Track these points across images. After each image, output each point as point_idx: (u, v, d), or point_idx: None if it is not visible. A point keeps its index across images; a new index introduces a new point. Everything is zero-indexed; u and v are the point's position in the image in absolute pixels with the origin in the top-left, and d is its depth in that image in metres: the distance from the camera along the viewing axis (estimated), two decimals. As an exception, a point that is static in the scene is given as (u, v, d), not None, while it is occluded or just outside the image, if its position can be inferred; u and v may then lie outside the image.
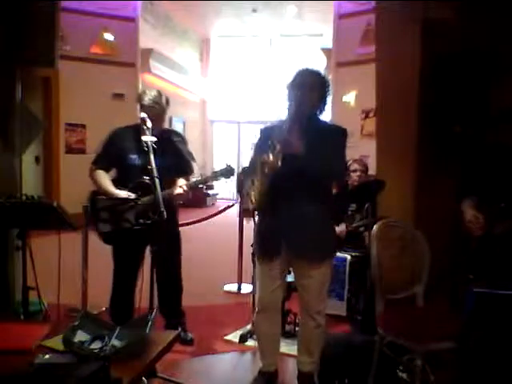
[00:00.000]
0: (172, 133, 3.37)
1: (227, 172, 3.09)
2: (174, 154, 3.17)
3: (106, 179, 3.18)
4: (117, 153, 3.19)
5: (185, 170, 3.23)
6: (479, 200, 2.53)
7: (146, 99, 3.13)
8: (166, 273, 3.28)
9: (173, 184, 3.11)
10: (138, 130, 3.08)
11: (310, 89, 2.52)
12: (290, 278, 2.81)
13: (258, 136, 2.76)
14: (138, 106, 3.19)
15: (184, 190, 3.01)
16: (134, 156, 3.15)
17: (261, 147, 2.60)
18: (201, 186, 3.19)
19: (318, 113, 2.63)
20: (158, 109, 3.14)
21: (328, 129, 2.70)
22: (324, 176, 2.53)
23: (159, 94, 3.19)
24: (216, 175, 3.11)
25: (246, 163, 2.81)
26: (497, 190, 2.43)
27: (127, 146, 3.18)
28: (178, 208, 3.43)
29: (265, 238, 2.67)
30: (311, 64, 2.67)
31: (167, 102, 3.25)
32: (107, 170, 3.24)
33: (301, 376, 2.74)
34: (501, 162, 2.49)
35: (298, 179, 2.45)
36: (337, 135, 2.63)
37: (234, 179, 3.55)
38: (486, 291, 1.74)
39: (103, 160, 3.25)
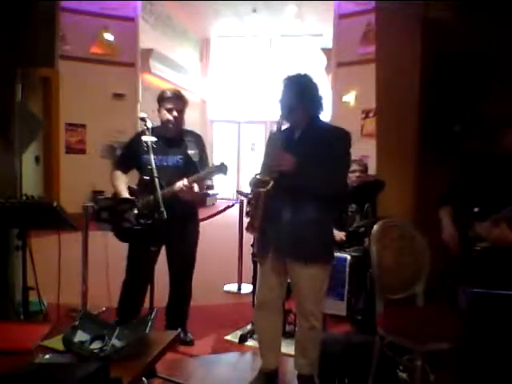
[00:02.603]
0: (190, 133, 3.36)
1: (220, 169, 3.05)
2: (186, 155, 3.17)
3: (120, 181, 3.25)
4: (134, 155, 3.21)
5: (192, 172, 3.14)
6: (456, 206, 2.58)
7: (169, 92, 3.20)
8: (177, 276, 3.31)
9: None
10: (158, 131, 3.13)
11: (294, 100, 2.52)
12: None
13: (267, 141, 2.77)
14: (159, 105, 3.21)
15: (184, 185, 3.00)
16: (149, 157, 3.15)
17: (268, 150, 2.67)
18: (208, 181, 3.21)
19: (316, 114, 2.62)
20: (180, 101, 3.20)
21: (329, 135, 2.59)
22: (321, 195, 2.50)
23: (179, 90, 3.29)
24: (209, 172, 3.08)
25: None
26: (474, 195, 2.47)
27: (144, 148, 3.17)
28: (197, 213, 3.43)
29: (260, 236, 2.69)
30: (295, 69, 2.68)
31: (187, 100, 3.30)
32: (126, 171, 3.32)
33: (300, 377, 2.73)
34: (478, 168, 2.53)
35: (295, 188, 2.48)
36: (338, 142, 2.57)
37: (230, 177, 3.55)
38: (484, 291, 1.75)
39: (121, 161, 3.36)
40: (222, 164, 3.04)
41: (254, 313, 2.81)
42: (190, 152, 3.16)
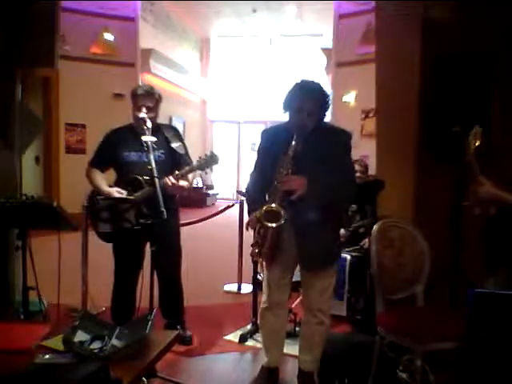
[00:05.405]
0: (166, 127, 3.38)
1: (211, 159, 3.06)
2: (167, 149, 3.18)
3: (99, 178, 3.24)
4: (112, 152, 3.23)
5: (179, 165, 3.17)
6: None
7: (140, 89, 3.21)
8: (165, 272, 3.29)
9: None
10: (131, 128, 3.23)
11: (310, 112, 2.49)
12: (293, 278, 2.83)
13: (260, 140, 2.76)
14: (131, 102, 3.21)
15: (171, 182, 3.01)
16: (128, 153, 3.19)
17: (264, 150, 2.67)
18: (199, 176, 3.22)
19: (323, 119, 2.61)
20: (151, 98, 3.17)
21: (332, 137, 2.61)
22: (336, 205, 2.57)
23: (151, 87, 3.28)
24: (200, 163, 3.08)
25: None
26: None
27: (122, 145, 3.22)
28: (179, 208, 3.43)
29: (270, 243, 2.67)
30: (309, 73, 2.67)
31: (160, 96, 3.28)
32: (103, 170, 3.30)
33: (301, 375, 2.74)
34: None
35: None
36: (342, 145, 2.61)
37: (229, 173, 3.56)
38: (486, 291, 1.74)
39: (98, 160, 3.32)
40: (213, 154, 3.07)
41: (262, 311, 2.80)
42: (175, 145, 3.17)
